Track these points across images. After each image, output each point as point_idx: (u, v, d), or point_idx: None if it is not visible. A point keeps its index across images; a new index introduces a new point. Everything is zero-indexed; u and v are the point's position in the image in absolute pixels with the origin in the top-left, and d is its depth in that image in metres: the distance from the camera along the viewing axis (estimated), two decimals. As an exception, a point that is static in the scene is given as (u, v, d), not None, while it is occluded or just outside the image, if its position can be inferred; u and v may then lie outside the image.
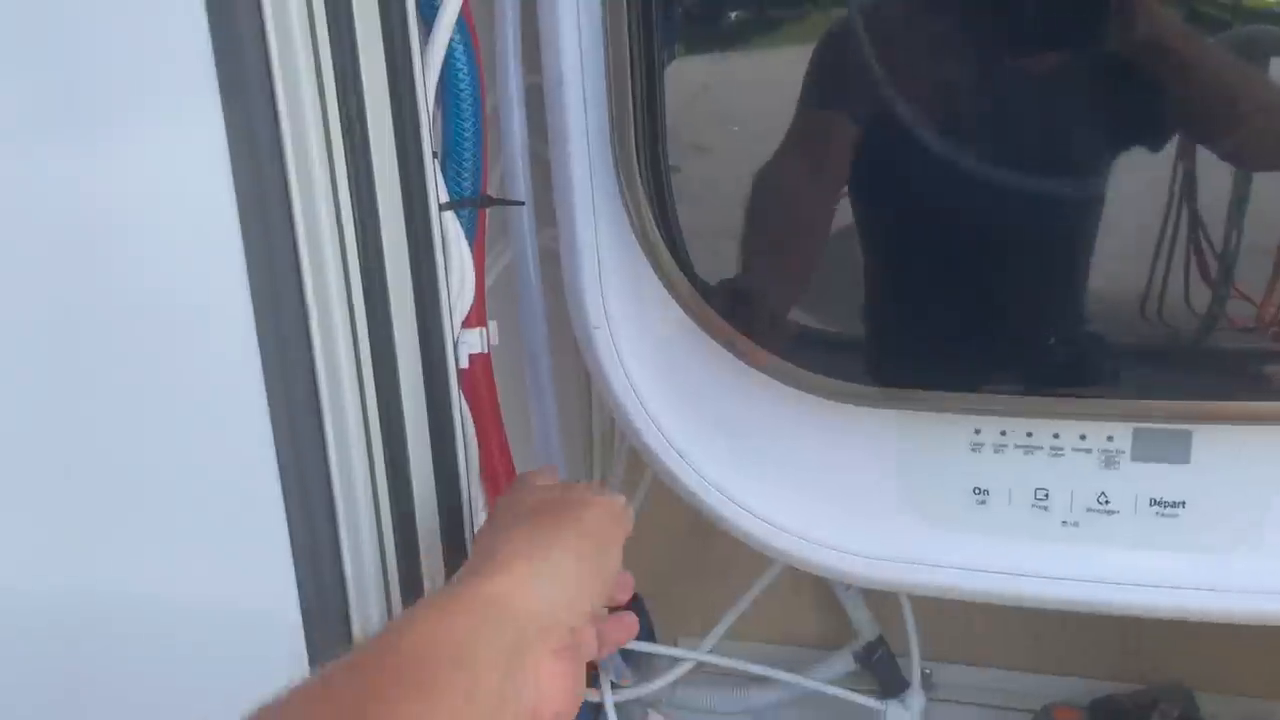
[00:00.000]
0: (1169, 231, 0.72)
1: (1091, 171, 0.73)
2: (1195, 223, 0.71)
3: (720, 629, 1.24)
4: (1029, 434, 0.78)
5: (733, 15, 0.77)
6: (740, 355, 0.82)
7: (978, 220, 0.78)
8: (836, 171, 0.78)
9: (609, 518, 0.65)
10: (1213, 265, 0.71)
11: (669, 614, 1.29)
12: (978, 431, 0.79)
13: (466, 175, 0.81)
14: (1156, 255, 0.72)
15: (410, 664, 0.46)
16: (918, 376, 0.78)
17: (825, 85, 0.76)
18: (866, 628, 1.32)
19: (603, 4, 0.75)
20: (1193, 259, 0.72)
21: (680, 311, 0.83)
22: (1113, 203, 0.72)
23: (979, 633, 1.32)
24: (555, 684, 0.52)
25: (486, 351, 0.90)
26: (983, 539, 0.82)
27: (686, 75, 0.78)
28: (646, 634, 1.26)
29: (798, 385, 0.81)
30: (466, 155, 0.80)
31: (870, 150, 0.77)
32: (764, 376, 0.83)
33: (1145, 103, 0.71)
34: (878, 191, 0.79)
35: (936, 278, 0.79)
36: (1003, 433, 0.79)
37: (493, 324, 0.90)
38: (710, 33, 0.78)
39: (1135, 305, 0.73)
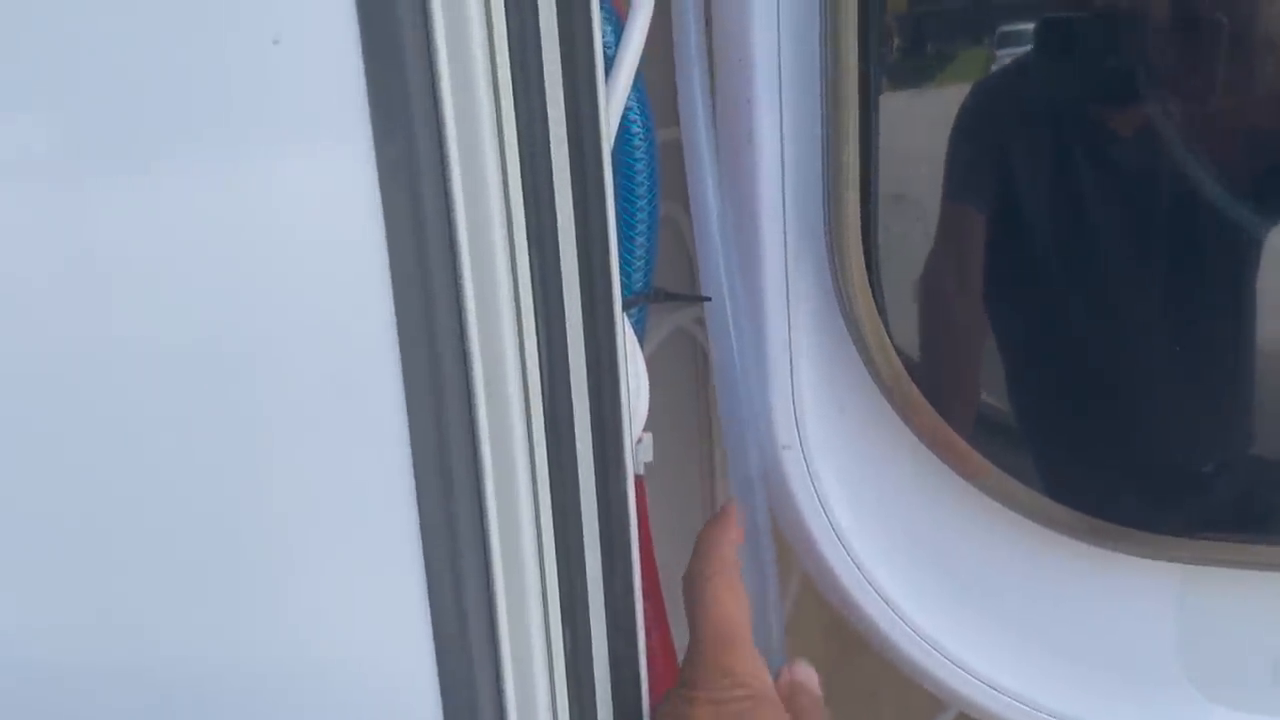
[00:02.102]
0: None
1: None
2: None
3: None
4: (1368, 595, 0.61)
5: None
6: (971, 478, 0.67)
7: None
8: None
9: None
10: None
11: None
12: (1297, 590, 0.62)
13: (638, 266, 0.67)
14: None
15: None
16: (1210, 524, 0.62)
17: (966, 172, 0.66)
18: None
19: (823, 33, 0.61)
20: None
21: (892, 421, 0.68)
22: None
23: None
24: None
25: (641, 472, 0.75)
26: (1294, 725, 0.64)
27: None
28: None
29: (1054, 526, 0.65)
30: (639, 242, 0.66)
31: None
32: (996, 505, 0.68)
33: None
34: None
35: (1225, 405, 0.64)
36: (1333, 593, 0.62)
37: (648, 436, 0.75)
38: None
39: None
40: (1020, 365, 0.71)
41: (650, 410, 0.79)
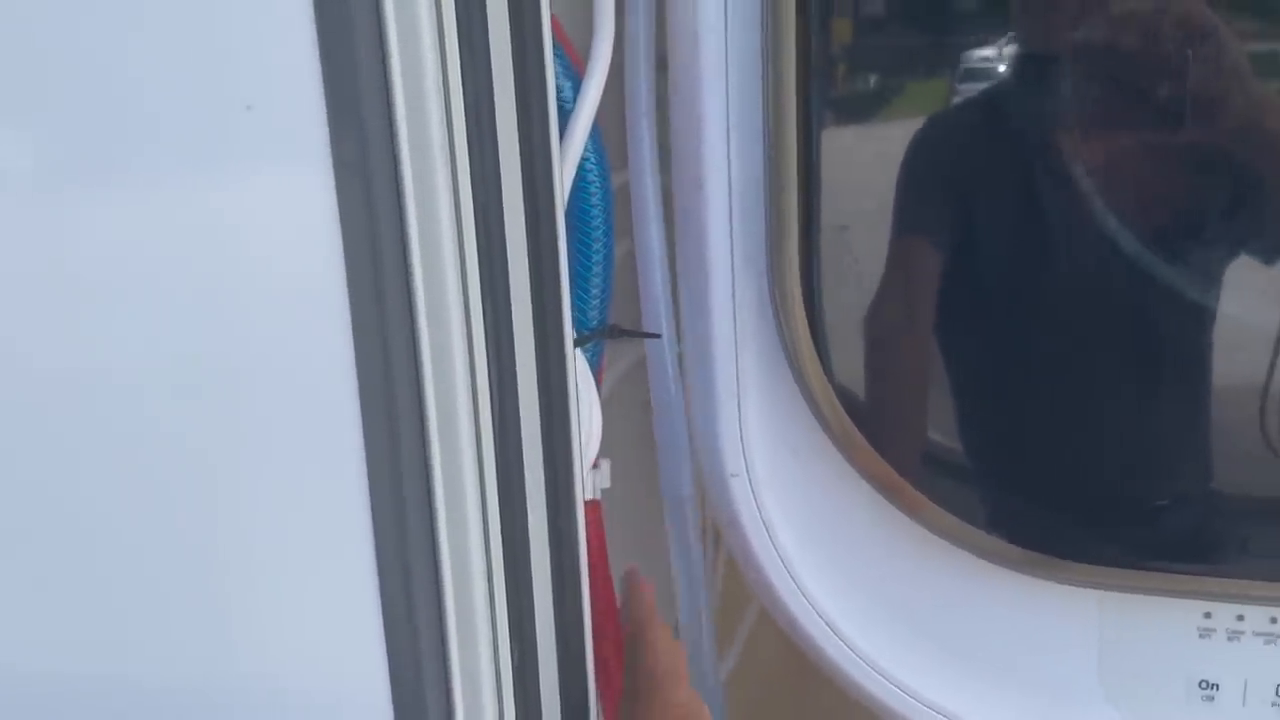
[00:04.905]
0: None
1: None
2: None
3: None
4: (1273, 620, 0.65)
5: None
6: (907, 510, 0.70)
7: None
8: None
9: None
10: None
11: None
12: (1208, 615, 0.66)
13: (594, 304, 0.71)
14: None
15: None
16: (1133, 551, 0.65)
17: (916, 203, 0.70)
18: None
19: (766, 81, 0.65)
20: None
21: (832, 452, 0.72)
22: None
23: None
24: None
25: (597, 497, 0.79)
26: (1207, 743, 0.68)
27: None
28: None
29: (973, 550, 0.68)
30: (594, 281, 0.70)
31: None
32: (930, 535, 0.72)
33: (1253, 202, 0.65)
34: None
35: (1144, 439, 0.68)
36: (1240, 618, 0.65)
37: (605, 463, 0.79)
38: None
39: None
40: (967, 398, 0.75)
41: (617, 437, 0.83)
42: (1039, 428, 0.74)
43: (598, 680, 0.79)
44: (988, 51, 0.68)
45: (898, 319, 0.73)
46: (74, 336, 0.52)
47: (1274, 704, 0.66)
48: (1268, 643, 0.66)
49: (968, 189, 0.71)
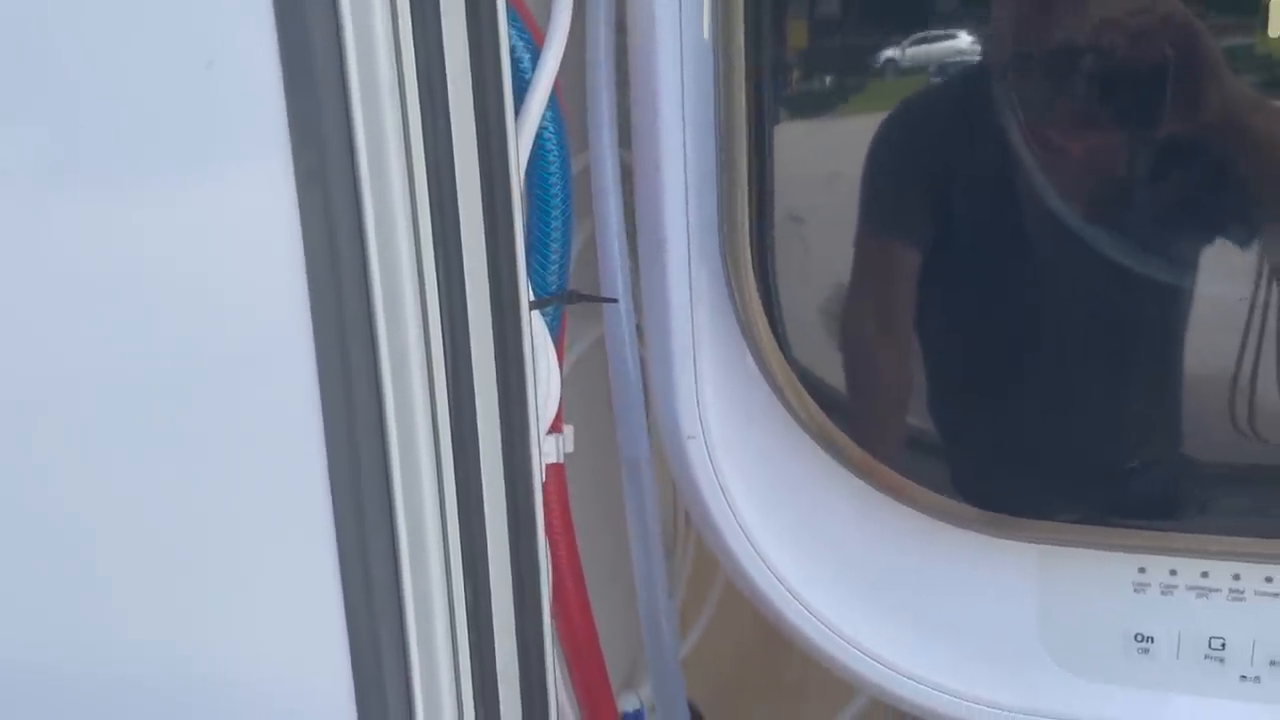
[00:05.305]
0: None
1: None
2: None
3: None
4: (1204, 574, 0.68)
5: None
6: (858, 472, 0.73)
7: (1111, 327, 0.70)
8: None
9: None
10: None
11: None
12: (1142, 570, 0.69)
13: (553, 270, 0.73)
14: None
15: None
16: (1067, 506, 0.68)
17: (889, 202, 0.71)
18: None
19: (717, 72, 0.67)
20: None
21: (786, 417, 0.74)
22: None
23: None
24: None
25: (561, 461, 0.81)
26: (1142, 694, 0.70)
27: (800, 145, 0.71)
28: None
29: (921, 508, 0.71)
30: (553, 248, 0.72)
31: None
32: (881, 496, 0.74)
33: (1223, 188, 0.67)
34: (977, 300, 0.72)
35: (1080, 395, 0.70)
36: (1173, 572, 0.68)
37: (568, 429, 0.81)
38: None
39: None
40: (934, 370, 0.76)
41: (587, 405, 0.86)
42: (996, 400, 0.76)
43: (560, 633, 0.82)
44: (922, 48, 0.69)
45: (874, 320, 0.75)
46: (33, 335, 0.53)
47: (1206, 656, 0.69)
48: (1199, 596, 0.68)
49: (939, 178, 0.72)
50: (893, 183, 0.72)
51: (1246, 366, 0.68)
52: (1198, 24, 0.62)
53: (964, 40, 0.69)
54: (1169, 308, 0.70)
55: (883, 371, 0.77)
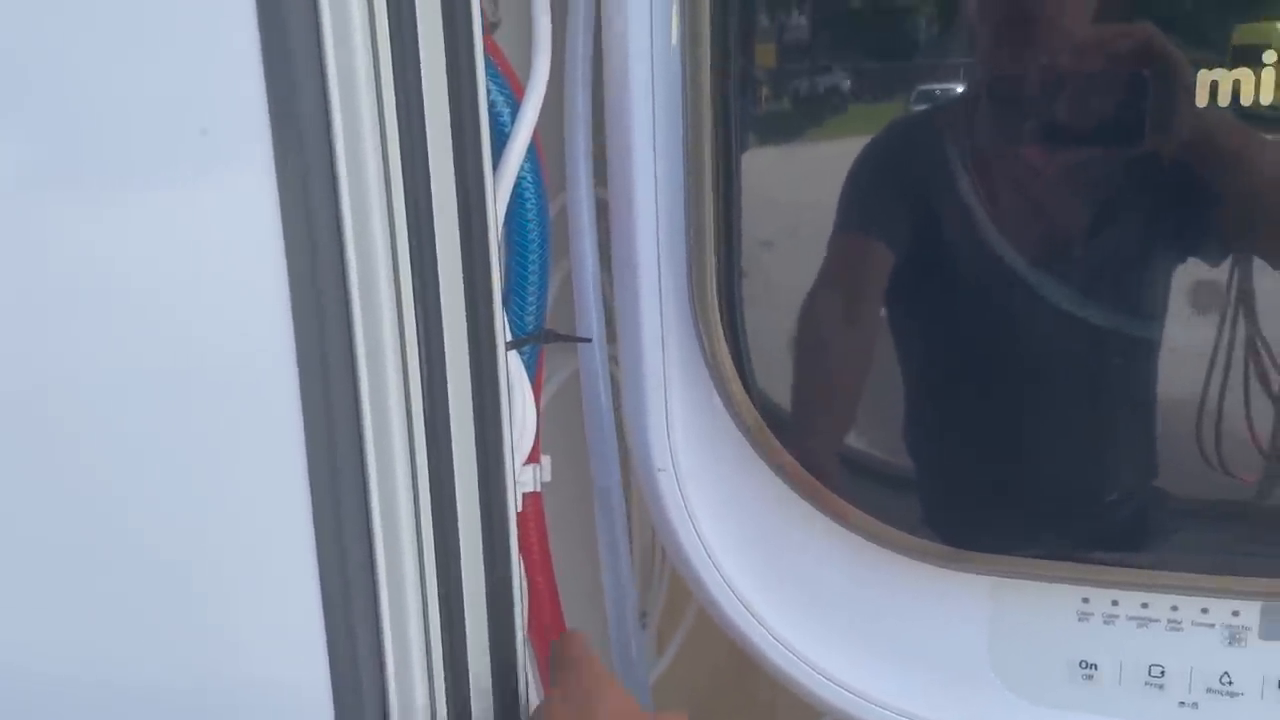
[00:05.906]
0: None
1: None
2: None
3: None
4: (1144, 605, 0.71)
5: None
6: (818, 505, 0.76)
7: (1053, 359, 0.73)
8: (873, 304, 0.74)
9: None
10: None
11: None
12: (1086, 600, 0.72)
13: (530, 310, 0.76)
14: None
15: None
16: (1014, 543, 0.71)
17: (866, 206, 0.72)
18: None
19: (685, 110, 0.70)
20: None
21: (751, 451, 0.77)
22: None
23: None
24: None
25: (538, 490, 0.84)
26: (1088, 718, 0.74)
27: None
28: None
29: (878, 541, 0.74)
30: (531, 291, 0.76)
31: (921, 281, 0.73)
32: (842, 529, 0.77)
33: (1199, 210, 0.67)
34: (943, 327, 0.75)
35: (1029, 432, 0.73)
36: (1114, 602, 0.71)
37: (546, 459, 0.84)
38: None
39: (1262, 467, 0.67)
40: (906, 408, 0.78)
41: (567, 435, 0.89)
42: (953, 437, 0.78)
43: (537, 657, 0.84)
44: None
45: (835, 313, 0.75)
46: (15, 341, 0.56)
47: (1146, 683, 0.72)
48: (1140, 626, 0.72)
49: (923, 196, 0.72)
50: (878, 188, 0.72)
51: (1211, 403, 0.70)
52: (1173, 49, 0.63)
53: (930, 65, 0.69)
54: (1132, 348, 0.72)
55: (837, 370, 0.78)
